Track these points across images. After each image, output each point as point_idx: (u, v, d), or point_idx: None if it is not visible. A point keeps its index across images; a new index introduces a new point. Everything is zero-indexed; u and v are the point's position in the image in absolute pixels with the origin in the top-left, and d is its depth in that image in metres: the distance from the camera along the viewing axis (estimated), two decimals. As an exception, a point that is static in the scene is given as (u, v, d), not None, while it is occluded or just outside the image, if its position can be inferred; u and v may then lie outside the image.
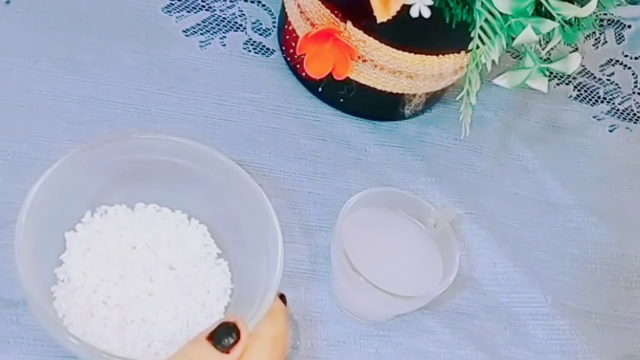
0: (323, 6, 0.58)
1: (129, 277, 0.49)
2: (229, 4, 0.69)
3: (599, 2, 0.52)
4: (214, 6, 0.68)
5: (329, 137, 0.64)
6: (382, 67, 0.59)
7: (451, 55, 0.59)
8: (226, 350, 0.41)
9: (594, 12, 0.52)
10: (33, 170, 0.48)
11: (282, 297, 0.48)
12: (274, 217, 0.50)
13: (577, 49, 0.75)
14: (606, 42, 0.78)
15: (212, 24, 0.67)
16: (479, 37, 0.52)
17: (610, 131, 0.73)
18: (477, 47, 0.52)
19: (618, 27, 0.79)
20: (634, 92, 0.76)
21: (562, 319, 0.60)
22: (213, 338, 0.41)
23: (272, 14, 0.69)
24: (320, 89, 0.64)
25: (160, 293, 0.49)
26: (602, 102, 0.75)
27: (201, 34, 0.66)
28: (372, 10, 0.51)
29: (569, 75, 0.74)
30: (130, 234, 0.51)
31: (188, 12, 0.67)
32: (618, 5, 0.57)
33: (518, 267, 0.61)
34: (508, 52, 0.71)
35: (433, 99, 0.66)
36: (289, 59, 0.66)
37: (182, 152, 0.52)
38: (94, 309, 0.48)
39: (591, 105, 0.74)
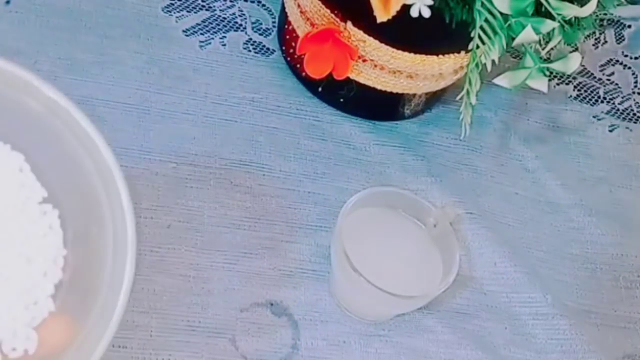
0: (323, 6, 0.58)
1: None
2: (229, 3, 0.69)
3: (599, 2, 0.52)
4: (214, 6, 0.68)
5: (329, 137, 0.64)
6: (382, 67, 0.59)
7: (451, 55, 0.59)
8: None
9: (594, 12, 0.52)
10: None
11: None
12: (116, 173, 0.35)
13: (577, 49, 0.75)
14: (606, 42, 0.78)
15: (212, 24, 0.67)
16: (479, 37, 0.52)
17: (610, 131, 0.73)
18: (477, 47, 0.52)
19: (618, 27, 0.79)
20: (634, 92, 0.76)
21: (562, 318, 0.60)
22: None
23: (272, 14, 0.69)
24: (320, 89, 0.64)
25: None
26: (602, 102, 0.75)
27: (201, 34, 0.66)
28: (372, 10, 0.51)
29: (569, 75, 0.74)
30: None
31: (188, 12, 0.67)
32: (618, 5, 0.57)
33: (518, 267, 0.61)
34: (508, 52, 0.71)
35: (433, 98, 0.66)
36: (289, 58, 0.66)
37: None
38: None
39: (591, 105, 0.74)
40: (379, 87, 0.62)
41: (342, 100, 0.65)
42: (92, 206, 0.35)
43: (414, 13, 0.50)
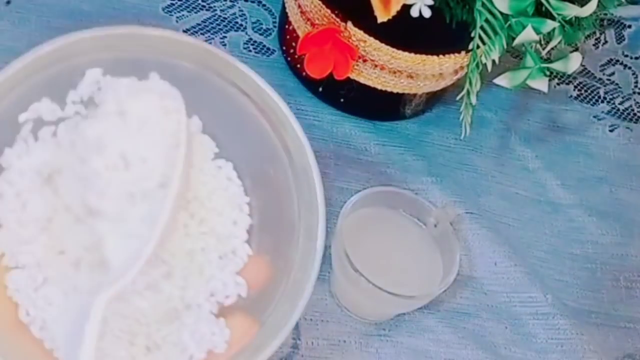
0: (324, 6, 0.58)
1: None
2: (229, 4, 0.69)
3: (599, 2, 0.52)
4: (215, 6, 0.68)
5: (330, 137, 0.64)
6: (383, 67, 0.59)
7: (451, 55, 0.59)
8: None
9: (594, 12, 0.52)
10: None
11: None
12: (286, 110, 0.37)
13: (577, 49, 0.75)
14: (606, 42, 0.78)
15: (212, 24, 0.67)
16: (480, 37, 0.52)
17: (611, 131, 0.73)
18: (478, 47, 0.52)
19: (618, 27, 0.79)
20: (634, 92, 0.76)
21: (563, 318, 0.60)
22: None
23: (273, 14, 0.69)
24: (320, 89, 0.64)
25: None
26: (602, 102, 0.75)
27: (201, 34, 0.66)
28: (373, 10, 0.51)
29: (570, 75, 0.74)
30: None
31: (188, 12, 0.67)
32: (618, 5, 0.57)
33: (518, 266, 0.61)
34: (508, 52, 0.71)
35: (433, 98, 0.66)
36: (289, 59, 0.66)
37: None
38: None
39: (591, 105, 0.74)
40: (379, 87, 0.62)
41: (342, 100, 0.65)
42: (264, 149, 0.37)
43: (414, 13, 0.50)
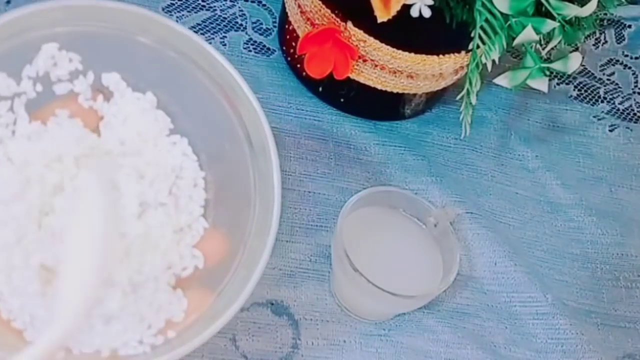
0: (324, 6, 0.58)
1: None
2: (229, 3, 0.69)
3: (599, 1, 0.52)
4: (215, 6, 0.68)
5: (330, 137, 0.64)
6: (383, 66, 0.59)
7: (451, 55, 0.59)
8: None
9: (594, 12, 0.52)
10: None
11: None
12: (243, 86, 0.37)
13: (577, 49, 0.75)
14: (606, 42, 0.78)
15: (212, 24, 0.67)
16: (480, 37, 0.52)
17: (611, 131, 0.73)
18: (478, 47, 0.52)
19: (618, 27, 0.79)
20: (634, 92, 0.76)
21: (563, 318, 0.60)
22: None
23: (273, 14, 0.69)
24: (320, 89, 0.64)
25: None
26: (602, 101, 0.75)
27: (202, 34, 0.66)
28: (373, 10, 0.51)
29: (570, 75, 0.74)
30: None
31: (189, 12, 0.67)
32: (618, 5, 0.57)
33: (518, 266, 0.61)
34: (508, 52, 0.71)
35: (433, 98, 0.66)
36: (289, 58, 0.66)
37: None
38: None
39: (591, 105, 0.74)
40: (379, 87, 0.62)
41: (342, 100, 0.65)
42: (220, 125, 0.37)
43: (414, 13, 0.50)
